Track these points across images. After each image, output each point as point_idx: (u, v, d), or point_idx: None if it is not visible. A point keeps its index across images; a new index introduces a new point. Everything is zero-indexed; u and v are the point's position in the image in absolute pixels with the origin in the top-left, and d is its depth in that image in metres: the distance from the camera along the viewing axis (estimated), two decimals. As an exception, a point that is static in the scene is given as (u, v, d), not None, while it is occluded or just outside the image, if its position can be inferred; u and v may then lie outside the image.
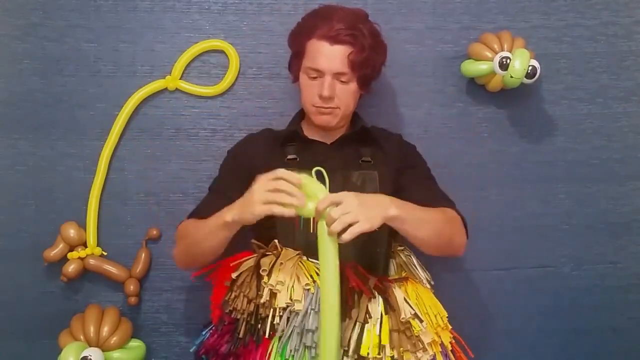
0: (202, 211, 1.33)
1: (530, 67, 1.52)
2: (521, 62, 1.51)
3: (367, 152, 1.39)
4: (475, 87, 1.67)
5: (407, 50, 1.66)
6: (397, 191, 1.33)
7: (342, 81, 1.33)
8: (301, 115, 1.48)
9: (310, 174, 1.20)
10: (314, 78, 1.34)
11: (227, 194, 1.29)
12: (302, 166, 1.27)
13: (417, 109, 1.67)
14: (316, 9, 1.39)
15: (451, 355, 1.29)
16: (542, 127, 1.70)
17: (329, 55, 1.30)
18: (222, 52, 1.62)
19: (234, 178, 1.38)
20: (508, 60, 1.53)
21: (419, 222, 1.21)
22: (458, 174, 1.67)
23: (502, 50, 1.56)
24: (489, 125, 1.69)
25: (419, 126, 1.66)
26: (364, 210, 1.09)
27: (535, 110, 1.70)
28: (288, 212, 1.09)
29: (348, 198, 1.09)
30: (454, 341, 1.33)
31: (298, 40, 1.37)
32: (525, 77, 1.53)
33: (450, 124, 1.68)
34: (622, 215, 1.72)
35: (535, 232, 1.70)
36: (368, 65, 1.33)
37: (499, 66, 1.54)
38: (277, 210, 1.09)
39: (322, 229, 1.10)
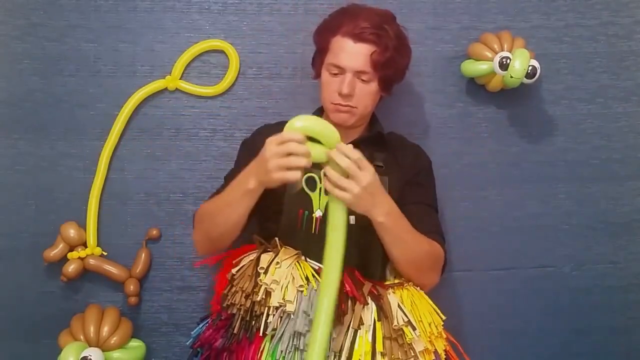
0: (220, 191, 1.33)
1: (530, 67, 1.52)
2: (521, 62, 1.51)
3: (380, 157, 1.38)
4: (475, 87, 1.67)
5: (407, 50, 1.66)
6: (397, 202, 1.33)
7: (363, 80, 1.32)
8: (318, 114, 1.46)
9: (319, 174, 1.22)
10: (335, 75, 1.33)
11: None
12: (314, 165, 1.26)
13: (417, 109, 1.67)
14: (344, 6, 1.39)
15: None
16: (542, 127, 1.70)
17: (352, 53, 1.29)
18: (222, 52, 1.62)
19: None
20: (508, 60, 1.53)
21: (400, 241, 1.23)
22: (458, 174, 1.67)
23: (502, 50, 1.56)
24: (489, 125, 1.69)
25: (419, 126, 1.66)
26: (364, 193, 1.11)
27: (535, 110, 1.70)
28: (298, 176, 1.11)
29: (367, 173, 1.12)
30: (449, 347, 1.32)
31: (323, 36, 1.37)
32: (525, 77, 1.53)
33: (450, 124, 1.68)
34: (622, 215, 1.72)
35: (535, 232, 1.70)
36: (390, 67, 1.32)
37: (499, 66, 1.54)
38: (291, 175, 1.11)
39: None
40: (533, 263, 1.70)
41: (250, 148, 1.41)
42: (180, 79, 1.62)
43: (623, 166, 1.72)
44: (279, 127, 1.44)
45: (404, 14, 1.65)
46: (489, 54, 1.57)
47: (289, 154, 1.10)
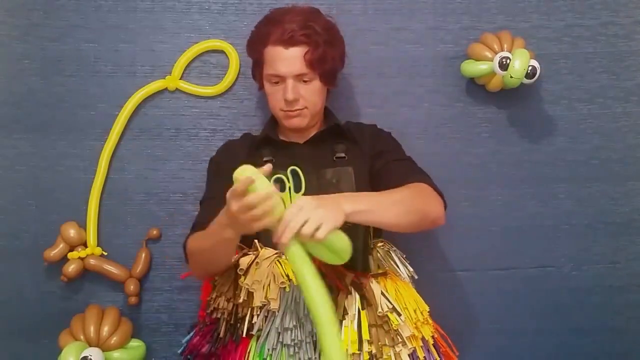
0: (202, 224, 1.28)
1: (530, 67, 1.52)
2: (521, 62, 1.51)
3: (341, 148, 1.39)
4: (475, 87, 1.67)
5: (407, 50, 1.66)
6: (373, 178, 1.34)
7: (304, 81, 1.34)
8: (274, 118, 1.48)
9: (286, 174, 1.25)
10: (277, 83, 1.35)
11: (219, 200, 1.21)
12: (277, 167, 1.25)
13: (417, 109, 1.67)
14: (268, 14, 1.40)
15: (433, 350, 1.28)
16: (542, 127, 1.70)
17: (286, 59, 1.31)
18: (222, 52, 1.62)
19: (221, 183, 1.32)
20: (508, 60, 1.53)
21: (381, 208, 1.17)
22: (458, 174, 1.67)
23: (502, 50, 1.56)
24: (489, 125, 1.69)
25: (419, 126, 1.66)
26: (324, 211, 1.04)
27: (535, 110, 1.70)
28: (273, 219, 1.04)
29: (306, 202, 1.04)
30: (438, 335, 1.32)
31: (255, 49, 1.39)
32: (525, 77, 1.53)
33: (450, 124, 1.68)
34: (622, 215, 1.72)
35: (535, 232, 1.70)
36: (326, 61, 1.34)
37: (499, 66, 1.54)
38: (266, 222, 1.04)
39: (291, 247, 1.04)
40: (533, 263, 1.70)
41: (217, 164, 1.43)
42: (180, 79, 1.62)
43: (623, 166, 1.72)
44: (241, 140, 1.47)
45: (403, 14, 1.66)
46: (489, 54, 1.57)
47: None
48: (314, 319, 1.04)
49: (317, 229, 1.01)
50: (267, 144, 1.41)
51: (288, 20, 1.32)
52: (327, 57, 1.34)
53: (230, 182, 1.11)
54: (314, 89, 1.35)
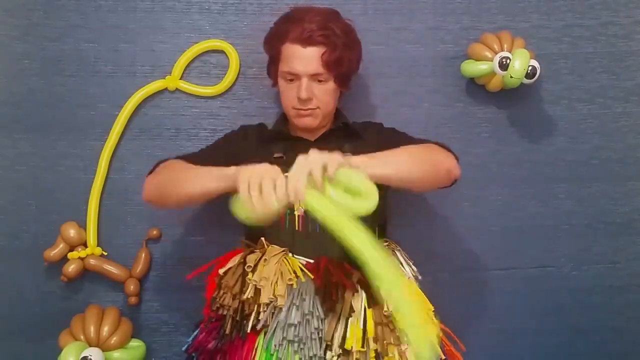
0: (189, 160, 1.32)
1: (530, 67, 1.52)
2: (521, 62, 1.51)
3: (349, 147, 1.39)
4: (475, 87, 1.67)
5: (407, 50, 1.66)
6: None
7: (319, 81, 1.35)
8: (282, 120, 1.49)
9: None
10: (291, 81, 1.35)
11: (213, 164, 1.25)
12: (287, 164, 1.26)
13: (417, 109, 1.67)
14: (288, 12, 1.41)
15: (437, 348, 1.29)
16: (542, 127, 1.70)
17: (303, 58, 1.32)
18: (222, 52, 1.62)
19: (220, 157, 1.34)
20: (508, 60, 1.53)
21: (395, 160, 1.18)
22: (458, 174, 1.67)
23: (502, 50, 1.56)
24: (489, 125, 1.69)
25: (419, 126, 1.66)
26: (326, 154, 1.04)
27: (535, 110, 1.70)
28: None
29: (307, 154, 1.05)
30: (442, 334, 1.33)
31: (272, 45, 1.39)
32: (525, 77, 1.53)
33: (450, 124, 1.68)
34: (622, 215, 1.72)
35: (535, 232, 1.70)
36: (342, 63, 1.35)
37: (499, 66, 1.54)
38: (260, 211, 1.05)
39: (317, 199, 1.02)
40: (533, 263, 1.70)
41: (228, 142, 1.46)
42: (180, 79, 1.62)
43: (623, 166, 1.72)
44: (255, 130, 1.49)
45: (404, 14, 1.66)
46: (489, 54, 1.57)
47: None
48: (362, 261, 0.99)
49: (324, 169, 1.01)
50: (279, 139, 1.42)
51: (308, 19, 1.32)
52: (344, 59, 1.34)
53: (226, 161, 1.17)
54: (327, 89, 1.36)
